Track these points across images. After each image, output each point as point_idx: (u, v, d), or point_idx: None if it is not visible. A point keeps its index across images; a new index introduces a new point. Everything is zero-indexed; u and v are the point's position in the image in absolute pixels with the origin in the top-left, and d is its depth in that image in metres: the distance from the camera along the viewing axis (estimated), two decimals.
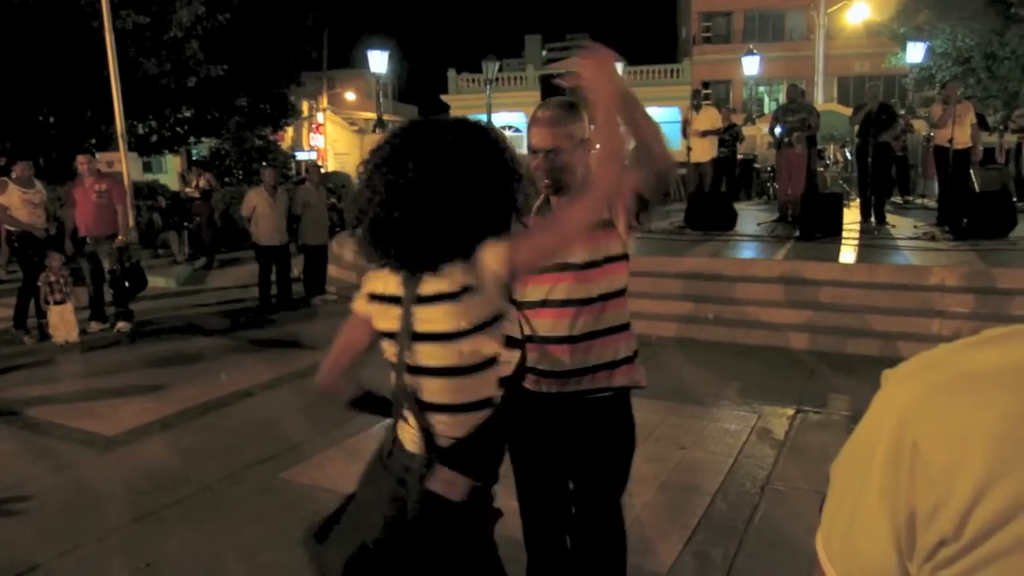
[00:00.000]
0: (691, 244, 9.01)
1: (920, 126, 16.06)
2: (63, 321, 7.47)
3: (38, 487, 4.17)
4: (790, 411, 5.12)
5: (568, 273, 2.17)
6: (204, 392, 5.82)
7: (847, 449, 0.73)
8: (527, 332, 2.21)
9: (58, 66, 13.81)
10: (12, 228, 7.72)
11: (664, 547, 3.36)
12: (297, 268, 9.49)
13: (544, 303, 2.20)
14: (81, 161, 7.97)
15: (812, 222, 9.02)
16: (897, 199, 13.27)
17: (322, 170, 11.49)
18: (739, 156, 15.22)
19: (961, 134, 9.35)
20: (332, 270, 10.07)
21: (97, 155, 8.95)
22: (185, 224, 13.12)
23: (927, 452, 0.63)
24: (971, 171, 10.67)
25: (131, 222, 9.59)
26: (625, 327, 2.29)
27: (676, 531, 3.50)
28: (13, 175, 7.84)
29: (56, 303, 7.43)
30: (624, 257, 2.24)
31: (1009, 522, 0.59)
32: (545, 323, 2.21)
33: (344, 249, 11.48)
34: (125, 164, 11.35)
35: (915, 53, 17.96)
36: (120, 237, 8.05)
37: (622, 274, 2.24)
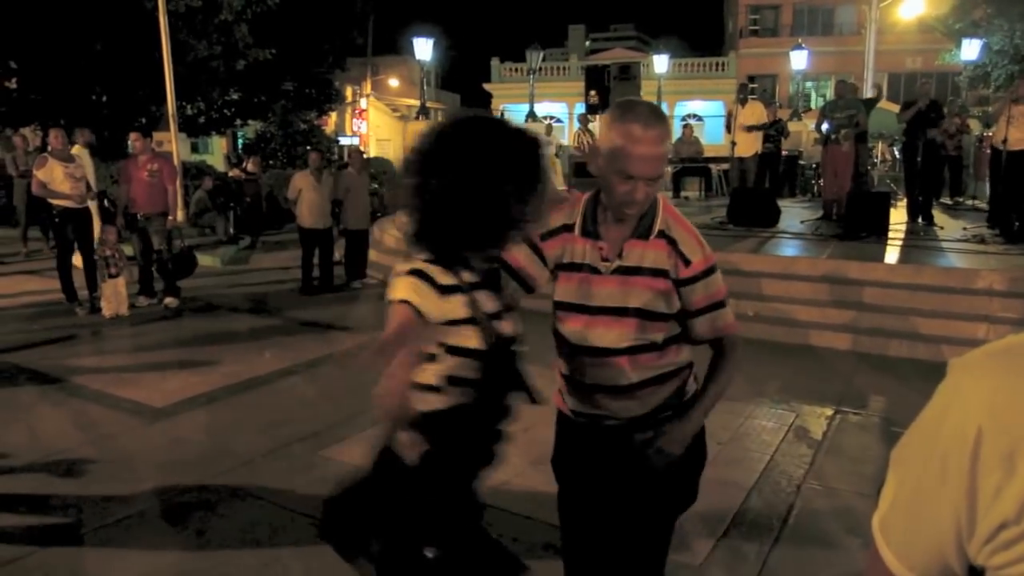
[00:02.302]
0: (733, 240, 8.94)
1: (974, 125, 15.68)
2: (116, 294, 7.69)
3: (85, 454, 4.32)
4: (829, 411, 5.08)
5: None
6: (248, 369, 5.96)
7: (910, 434, 0.75)
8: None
9: (111, 46, 14.13)
10: (56, 203, 7.78)
11: (698, 541, 3.38)
12: (339, 252, 9.61)
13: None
14: (135, 139, 8.14)
15: (857, 221, 8.89)
16: (947, 200, 13.00)
17: (364, 155, 11.60)
18: (784, 152, 15.05)
19: (1018, 134, 9.08)
20: (372, 255, 10.18)
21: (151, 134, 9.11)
22: (232, 205, 13.35)
23: (991, 437, 0.66)
24: None
25: (180, 201, 9.79)
26: None
27: (710, 525, 3.51)
28: (49, 147, 7.90)
29: (111, 276, 7.65)
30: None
31: None
32: None
33: (385, 234, 11.60)
34: (176, 144, 11.61)
35: (970, 50, 17.53)
36: (171, 217, 8.24)
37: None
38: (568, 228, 1.97)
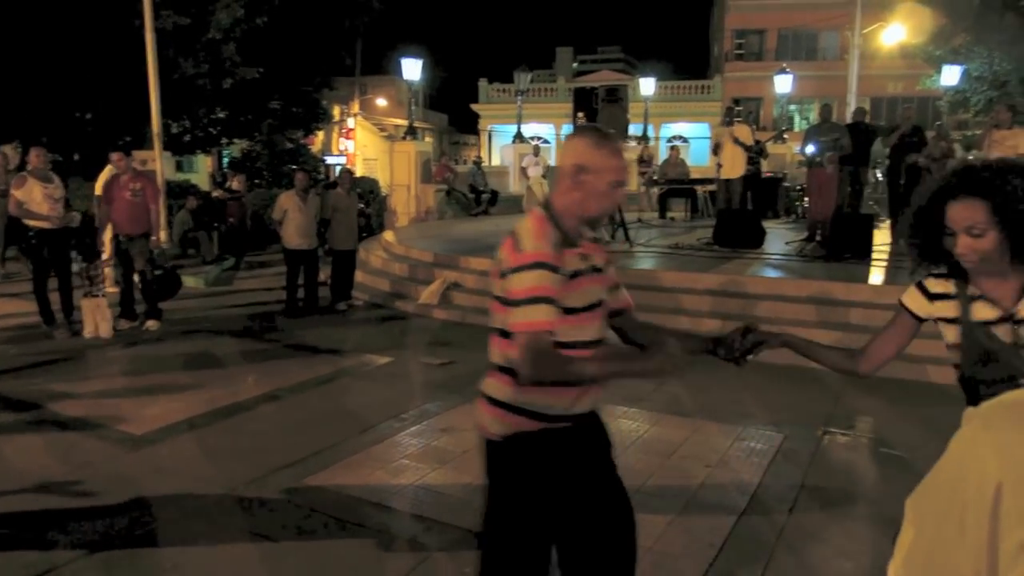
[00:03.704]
0: (719, 261, 8.97)
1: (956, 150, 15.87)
2: (100, 314, 7.59)
3: (61, 483, 4.21)
4: (817, 432, 5.07)
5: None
6: (231, 394, 5.86)
7: (927, 485, 0.73)
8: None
9: (96, 63, 14.04)
10: (32, 224, 7.57)
11: (689, 567, 3.33)
12: (324, 273, 9.54)
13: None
14: (116, 158, 8.04)
15: (842, 243, 8.95)
16: None
17: (353, 176, 11.58)
18: (766, 173, 15.18)
19: None
20: (358, 275, 10.12)
21: (132, 152, 9.03)
22: (216, 224, 13.27)
23: (1011, 493, 0.63)
24: None
25: (163, 221, 9.69)
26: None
27: (702, 551, 3.46)
28: (29, 165, 7.68)
29: (92, 296, 7.56)
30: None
31: None
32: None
33: (371, 255, 11.55)
34: (160, 163, 11.52)
35: (950, 76, 17.80)
36: (153, 238, 8.14)
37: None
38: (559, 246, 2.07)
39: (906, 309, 2.18)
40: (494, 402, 2.10)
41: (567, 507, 2.09)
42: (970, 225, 1.94)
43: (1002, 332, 2.00)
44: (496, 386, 2.10)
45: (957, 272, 2.07)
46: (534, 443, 2.06)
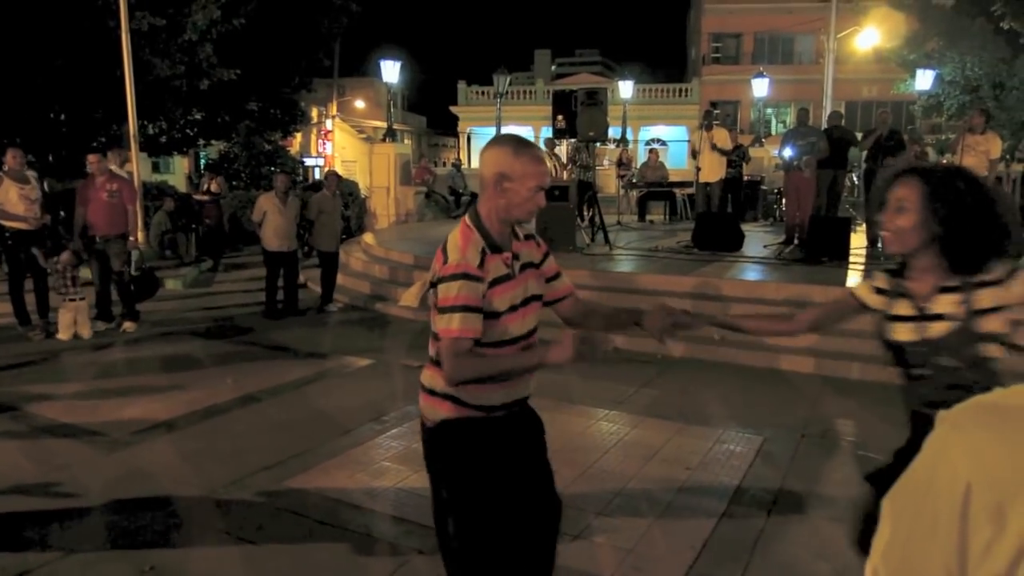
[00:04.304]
0: (698, 264, 9.03)
1: (929, 154, 16.10)
2: (80, 316, 7.51)
3: (36, 486, 4.16)
4: (795, 435, 5.12)
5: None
6: (209, 396, 5.82)
7: (902, 484, 0.75)
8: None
9: (71, 64, 13.86)
10: (8, 225, 7.51)
11: (668, 569, 3.36)
12: (304, 275, 9.49)
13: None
14: (92, 160, 7.96)
15: (819, 246, 9.04)
16: None
17: (339, 178, 11.54)
18: (746, 177, 15.30)
19: (972, 164, 9.36)
20: (339, 278, 10.07)
21: (108, 154, 8.93)
22: (193, 226, 13.16)
23: (980, 493, 0.65)
24: None
25: (140, 222, 9.59)
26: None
27: (681, 553, 3.49)
28: (5, 166, 7.59)
29: (71, 300, 7.49)
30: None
31: None
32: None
33: (351, 257, 11.50)
34: (136, 164, 11.41)
35: (924, 80, 18.06)
36: (132, 239, 8.07)
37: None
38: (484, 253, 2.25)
39: (854, 294, 2.35)
40: (429, 392, 2.32)
41: (494, 486, 2.29)
42: (900, 200, 2.07)
43: (910, 327, 2.12)
44: (429, 376, 2.33)
45: (902, 271, 2.20)
46: (461, 428, 2.28)
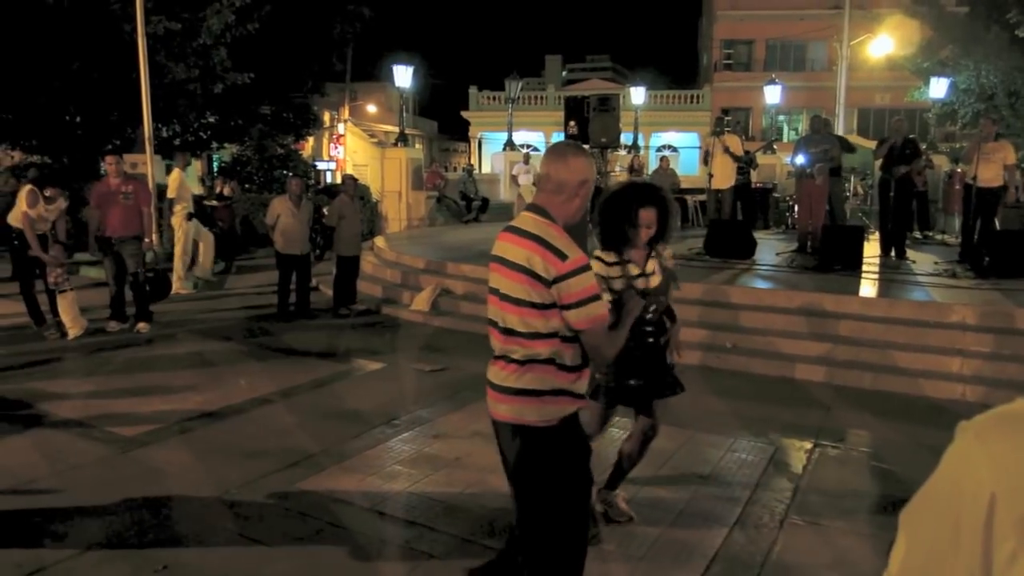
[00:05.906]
0: (710, 271, 9.01)
1: (941, 162, 16.03)
2: (69, 310, 7.57)
3: (50, 485, 4.20)
4: (808, 444, 5.09)
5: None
6: (222, 397, 5.85)
7: (921, 497, 0.75)
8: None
9: (87, 67, 13.98)
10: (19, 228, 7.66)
11: None
12: (316, 279, 9.51)
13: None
14: (109, 162, 8.05)
15: (832, 254, 9.00)
16: (916, 234, 13.25)
17: (358, 182, 11.58)
18: (756, 184, 15.25)
19: (987, 172, 9.32)
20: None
21: (123, 156, 8.99)
22: (207, 228, 13.20)
23: (1005, 503, 0.65)
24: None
25: (154, 224, 9.63)
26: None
27: (693, 562, 3.48)
28: (47, 192, 7.80)
29: (61, 292, 7.57)
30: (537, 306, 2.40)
31: None
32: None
33: (362, 261, 11.49)
34: (151, 167, 11.49)
35: (938, 88, 17.93)
36: (146, 240, 8.14)
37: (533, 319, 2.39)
38: None
39: (598, 274, 2.94)
40: (535, 394, 2.37)
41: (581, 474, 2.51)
42: (650, 221, 3.42)
43: (638, 283, 3.47)
44: (536, 378, 2.38)
45: (618, 248, 3.46)
46: (576, 423, 2.46)
